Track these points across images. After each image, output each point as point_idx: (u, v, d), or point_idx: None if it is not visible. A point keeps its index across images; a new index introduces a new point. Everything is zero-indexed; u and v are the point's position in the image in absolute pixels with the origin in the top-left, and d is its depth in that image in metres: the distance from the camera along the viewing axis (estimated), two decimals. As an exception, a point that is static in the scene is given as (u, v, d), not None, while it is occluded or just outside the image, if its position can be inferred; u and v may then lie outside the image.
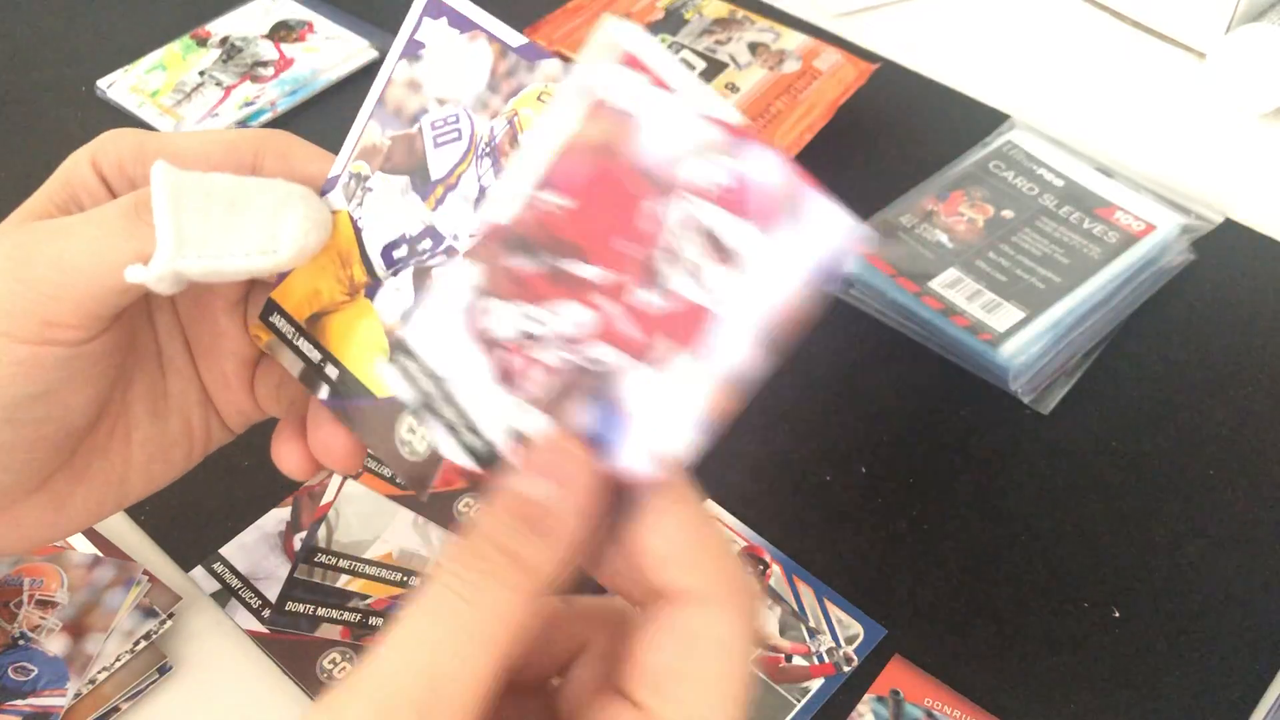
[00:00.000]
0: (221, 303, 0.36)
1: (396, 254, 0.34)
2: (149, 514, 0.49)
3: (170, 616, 0.45)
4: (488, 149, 0.34)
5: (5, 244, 0.30)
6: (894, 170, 0.62)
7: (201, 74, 0.69)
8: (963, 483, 0.49)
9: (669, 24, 0.68)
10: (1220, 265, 0.58)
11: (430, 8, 0.36)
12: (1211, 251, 0.58)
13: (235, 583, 0.46)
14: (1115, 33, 0.73)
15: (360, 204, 0.34)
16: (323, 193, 0.34)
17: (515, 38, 0.35)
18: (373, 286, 0.34)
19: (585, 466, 0.26)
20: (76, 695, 0.42)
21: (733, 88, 0.63)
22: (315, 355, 0.35)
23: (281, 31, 0.72)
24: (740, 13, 0.69)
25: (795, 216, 0.26)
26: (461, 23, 0.35)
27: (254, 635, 0.45)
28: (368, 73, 0.69)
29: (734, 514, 0.48)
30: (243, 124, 0.65)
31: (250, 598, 0.46)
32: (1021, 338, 0.53)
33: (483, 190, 0.34)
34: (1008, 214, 0.58)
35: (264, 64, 0.69)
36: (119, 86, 0.68)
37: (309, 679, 0.43)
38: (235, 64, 0.69)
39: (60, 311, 0.29)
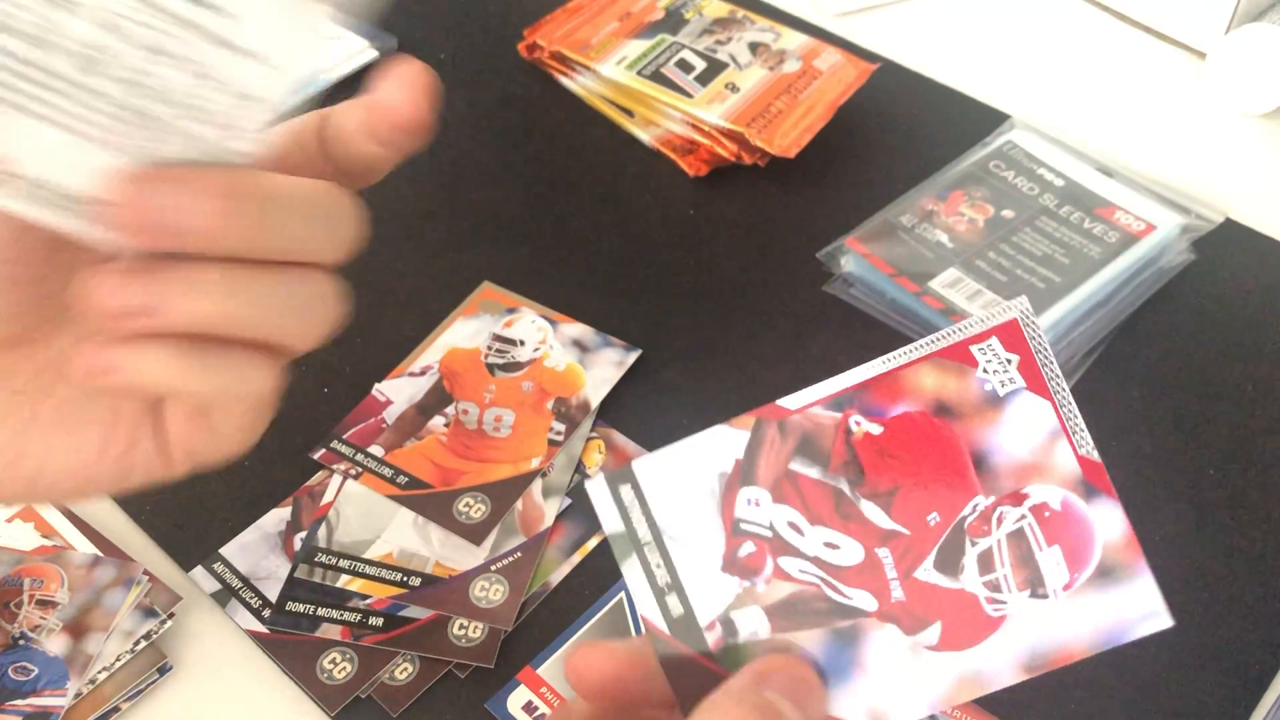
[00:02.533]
0: None
1: None
2: (149, 514, 0.49)
3: (170, 616, 0.45)
4: None
5: None
6: (894, 170, 0.62)
7: (201, 74, 0.69)
8: (963, 483, 0.49)
9: (669, 24, 0.68)
10: (1220, 265, 0.58)
11: None
12: (1211, 251, 0.58)
13: (235, 583, 0.46)
14: (1115, 33, 0.73)
15: None
16: None
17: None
18: None
19: (821, 698, 0.26)
20: (77, 695, 0.42)
21: (733, 88, 0.63)
22: None
23: (281, 31, 0.72)
24: (740, 13, 0.69)
25: (1116, 581, 0.26)
26: None
27: (254, 635, 0.45)
28: (367, 73, 0.69)
29: (734, 514, 0.48)
30: (243, 124, 0.65)
31: (250, 598, 0.46)
32: (1021, 338, 0.52)
33: None
34: (1008, 214, 0.58)
35: (264, 64, 0.69)
36: (119, 86, 0.68)
37: (309, 679, 0.43)
38: (235, 64, 0.69)
39: None
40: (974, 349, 0.27)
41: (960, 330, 0.27)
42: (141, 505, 0.49)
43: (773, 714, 0.25)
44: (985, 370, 0.27)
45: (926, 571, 0.26)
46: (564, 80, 0.68)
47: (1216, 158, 0.64)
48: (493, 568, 0.46)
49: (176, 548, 0.48)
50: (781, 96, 0.63)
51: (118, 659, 0.43)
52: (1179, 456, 0.50)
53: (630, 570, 0.28)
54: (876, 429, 0.27)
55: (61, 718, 0.41)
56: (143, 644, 0.44)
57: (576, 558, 0.47)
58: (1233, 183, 0.62)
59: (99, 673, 0.43)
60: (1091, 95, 0.68)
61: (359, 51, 0.70)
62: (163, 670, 0.44)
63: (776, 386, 0.53)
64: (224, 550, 0.47)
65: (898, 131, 0.66)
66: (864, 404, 0.27)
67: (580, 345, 0.54)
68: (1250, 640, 0.44)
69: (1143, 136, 0.65)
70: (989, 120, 0.65)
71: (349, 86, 0.69)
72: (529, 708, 0.42)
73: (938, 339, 0.27)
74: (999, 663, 0.26)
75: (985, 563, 0.26)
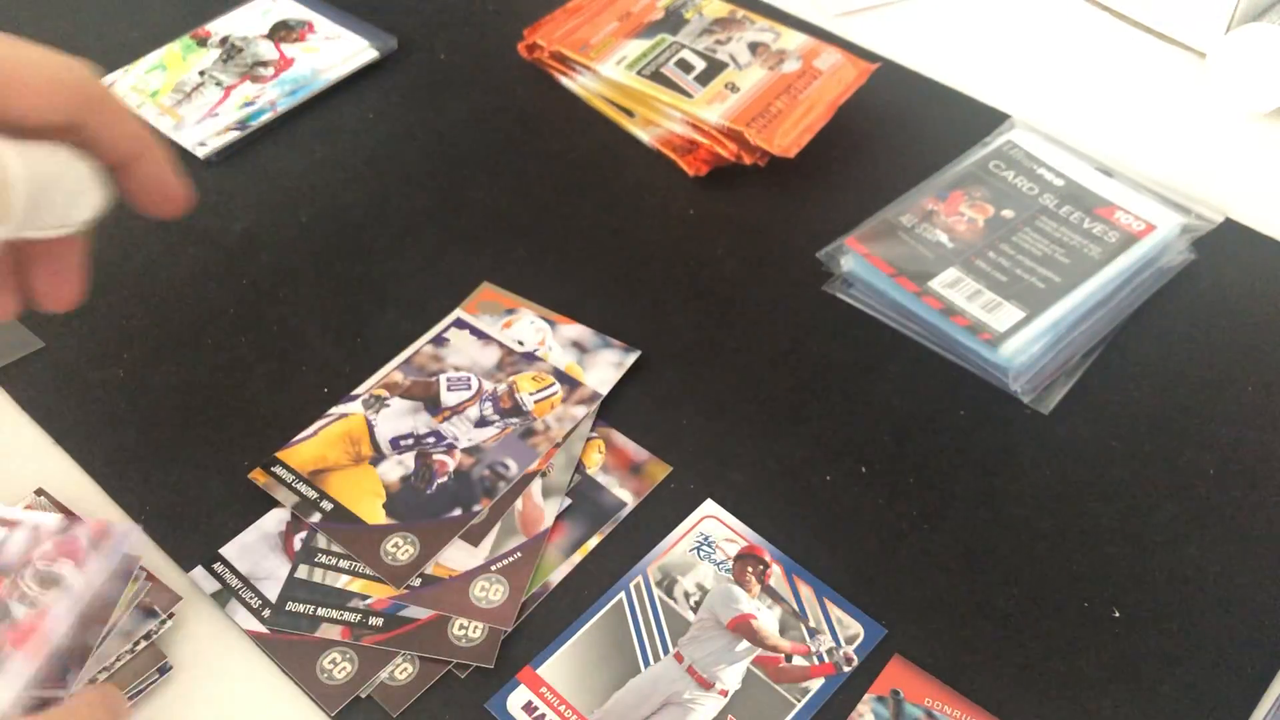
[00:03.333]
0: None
1: (402, 442, 0.50)
2: (149, 514, 0.49)
3: (170, 616, 0.45)
4: (490, 397, 0.51)
5: None
6: (894, 170, 0.62)
7: (201, 74, 0.69)
8: (963, 482, 0.49)
9: (669, 24, 0.68)
10: (1220, 265, 0.58)
11: (458, 323, 0.54)
12: (1211, 251, 0.58)
13: (235, 583, 0.46)
14: (1115, 33, 0.73)
15: (377, 413, 0.51)
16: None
17: (520, 346, 0.52)
18: (377, 459, 0.49)
19: None
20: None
21: (733, 88, 0.64)
22: (313, 495, 0.48)
23: (281, 31, 0.72)
24: (740, 13, 0.69)
25: (98, 549, 0.42)
26: (481, 336, 0.53)
27: (254, 635, 0.45)
28: (368, 73, 0.69)
29: (734, 514, 0.48)
30: (243, 123, 0.65)
31: (250, 598, 0.46)
32: (1021, 337, 0.53)
33: (483, 418, 0.50)
34: (1008, 214, 0.58)
35: (264, 64, 0.69)
36: (119, 86, 0.68)
37: (309, 679, 0.43)
38: (235, 64, 0.69)
39: None
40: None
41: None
42: (141, 505, 0.49)
43: None
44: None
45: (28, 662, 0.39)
46: (564, 80, 0.68)
47: (1216, 158, 0.64)
48: (493, 568, 0.46)
49: (176, 548, 0.48)
50: (781, 96, 0.63)
51: (117, 659, 0.43)
52: (1179, 456, 0.50)
53: None
54: None
55: (61, 718, 0.41)
56: (143, 644, 0.44)
57: (576, 558, 0.47)
58: (1233, 183, 0.62)
59: (99, 672, 0.43)
60: (1091, 95, 0.68)
61: (359, 52, 0.70)
62: (163, 670, 0.44)
63: (776, 386, 0.53)
64: (224, 550, 0.47)
65: (898, 131, 0.66)
66: None
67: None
68: (1250, 640, 0.44)
69: (1143, 136, 0.65)
70: (989, 120, 0.65)
71: (348, 86, 0.69)
72: (529, 708, 0.42)
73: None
74: (54, 634, 0.40)
75: (27, 604, 0.41)
